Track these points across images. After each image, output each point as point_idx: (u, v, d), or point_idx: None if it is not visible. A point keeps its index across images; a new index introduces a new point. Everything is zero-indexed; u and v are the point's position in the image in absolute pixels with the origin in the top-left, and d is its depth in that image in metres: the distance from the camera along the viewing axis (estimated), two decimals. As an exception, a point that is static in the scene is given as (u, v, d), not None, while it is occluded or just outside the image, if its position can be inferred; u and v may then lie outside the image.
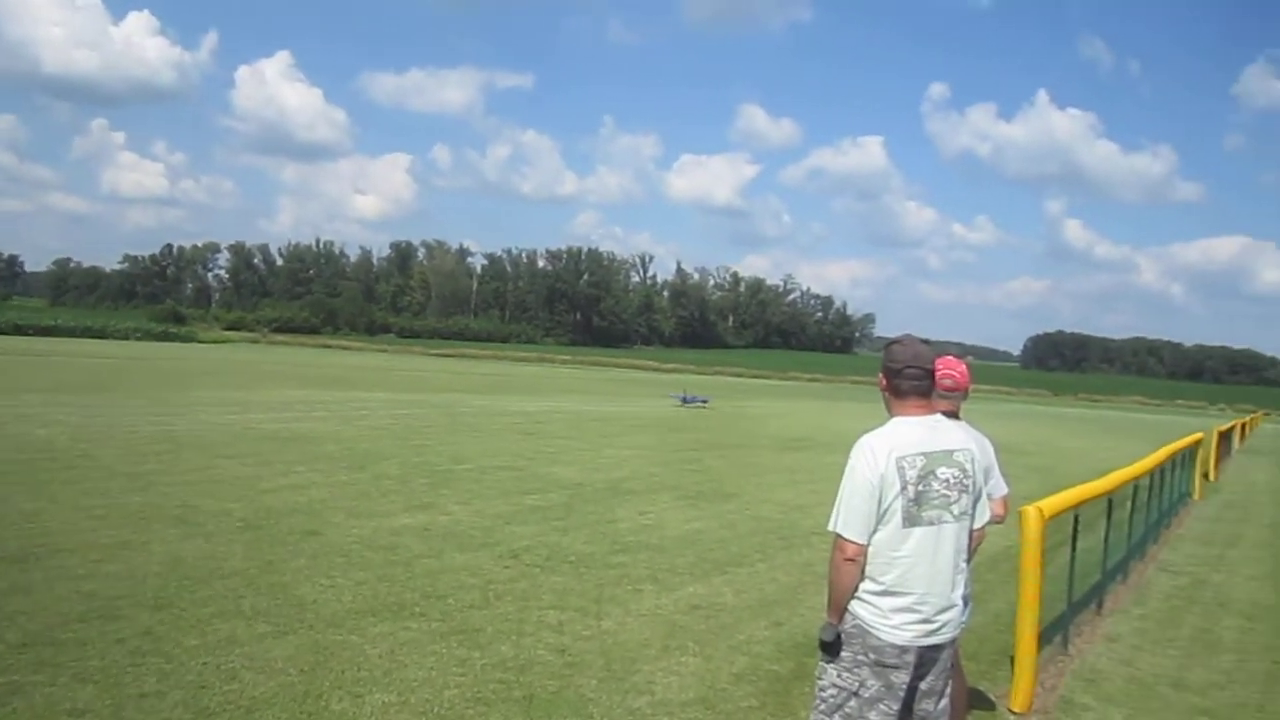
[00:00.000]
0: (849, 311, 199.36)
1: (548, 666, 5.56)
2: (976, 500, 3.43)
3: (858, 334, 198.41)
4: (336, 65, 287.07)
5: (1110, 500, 7.78)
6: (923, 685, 3.37)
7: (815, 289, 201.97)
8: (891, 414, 3.41)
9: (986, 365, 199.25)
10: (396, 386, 35.20)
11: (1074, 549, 6.63)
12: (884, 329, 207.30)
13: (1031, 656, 5.45)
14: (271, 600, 6.50)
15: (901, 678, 3.27)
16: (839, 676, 3.31)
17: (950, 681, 3.48)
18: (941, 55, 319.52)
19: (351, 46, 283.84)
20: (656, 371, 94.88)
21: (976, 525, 3.46)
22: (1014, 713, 5.40)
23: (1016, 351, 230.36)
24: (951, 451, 3.34)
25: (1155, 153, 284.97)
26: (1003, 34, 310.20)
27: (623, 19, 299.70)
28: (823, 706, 3.34)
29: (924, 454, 3.27)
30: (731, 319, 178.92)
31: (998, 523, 4.32)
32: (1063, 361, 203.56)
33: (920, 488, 3.24)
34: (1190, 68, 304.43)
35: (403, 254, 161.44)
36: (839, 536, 3.25)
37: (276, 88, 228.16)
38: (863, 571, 3.26)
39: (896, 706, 3.28)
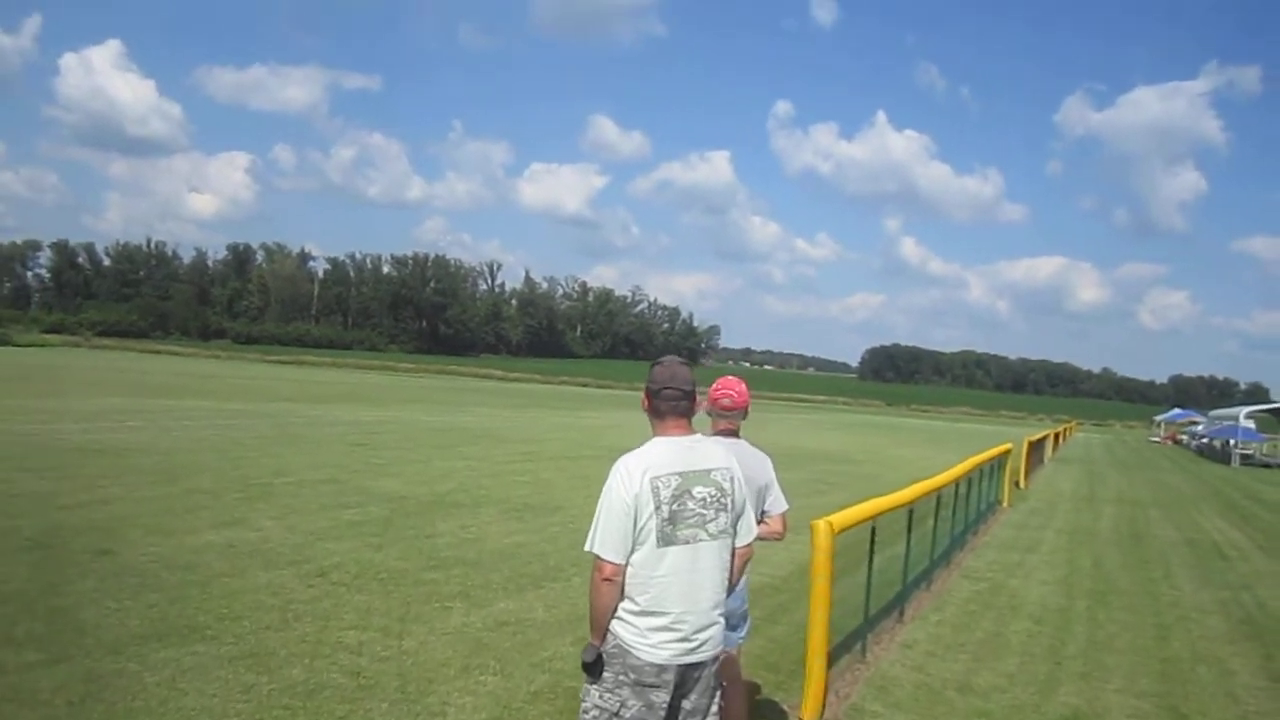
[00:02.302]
0: (695, 323, 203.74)
1: (339, 690, 5.40)
2: (739, 518, 3.48)
3: (704, 345, 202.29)
4: (172, 57, 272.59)
5: (911, 511, 8.08)
6: (686, 704, 3.39)
7: (663, 300, 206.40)
8: (654, 434, 3.44)
9: (826, 377, 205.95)
10: (225, 395, 33.85)
11: (870, 560, 6.84)
12: (729, 340, 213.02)
13: (821, 666, 5.59)
14: (49, 625, 6.11)
15: (661, 697, 3.28)
16: (600, 697, 3.30)
17: (716, 699, 3.51)
18: (787, 74, 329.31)
19: (188, 38, 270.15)
20: (502, 380, 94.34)
21: (741, 543, 3.51)
22: (804, 722, 5.53)
23: (855, 363, 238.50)
24: (709, 471, 3.38)
25: (984, 175, 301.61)
26: (844, 55, 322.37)
27: (473, 22, 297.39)
28: None
29: (679, 474, 3.30)
30: (580, 329, 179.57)
31: (776, 539, 4.41)
32: (897, 373, 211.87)
33: (675, 507, 3.27)
34: (1016, 95, 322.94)
35: (240, 256, 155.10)
36: (596, 557, 3.25)
37: (106, 77, 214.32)
38: (622, 591, 3.27)
39: None
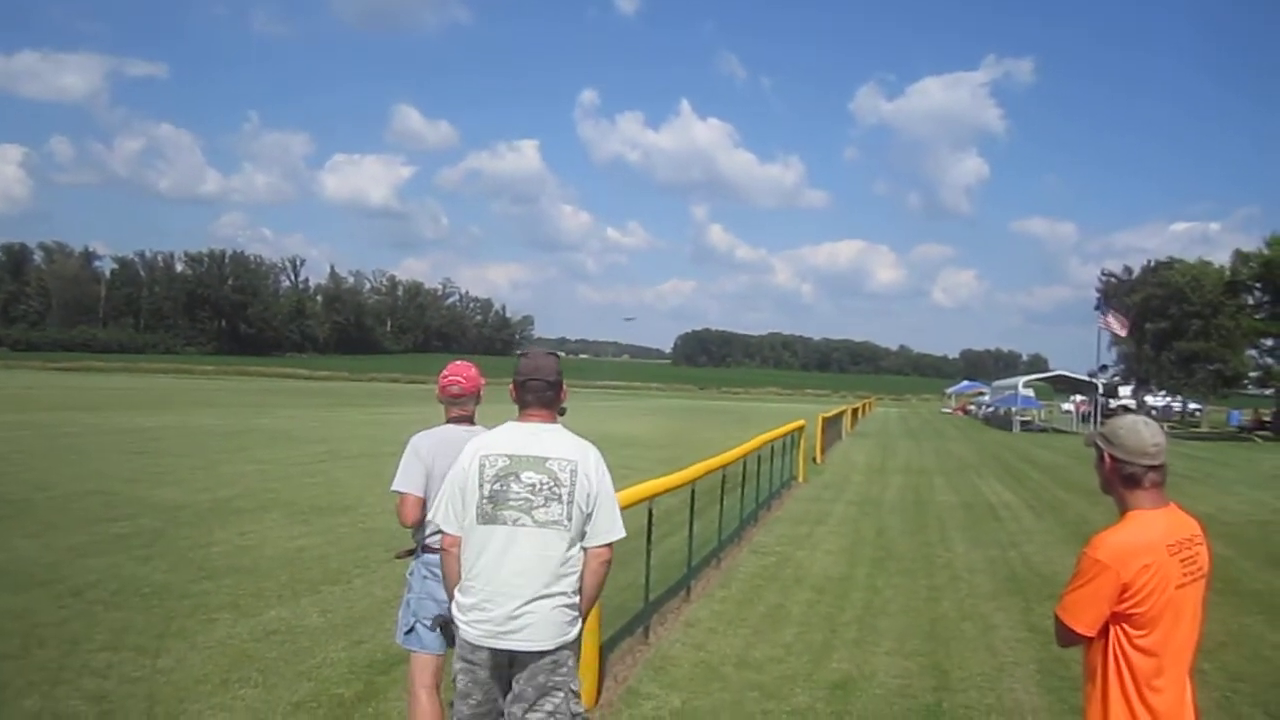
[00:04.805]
0: (509, 314, 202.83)
1: (78, 718, 5.00)
2: (587, 517, 3.38)
3: (518, 336, 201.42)
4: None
5: (693, 490, 8.17)
6: (514, 688, 3.38)
7: (475, 292, 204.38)
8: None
9: (640, 364, 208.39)
10: (-7, 407, 31.36)
11: (649, 542, 6.85)
12: (543, 330, 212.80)
13: (593, 652, 5.54)
14: None
15: (482, 675, 3.36)
16: (455, 662, 3.45)
17: (556, 699, 3.35)
18: (591, 63, 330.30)
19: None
20: (308, 380, 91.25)
21: (592, 543, 3.40)
22: (578, 710, 5.46)
23: (668, 349, 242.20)
24: (545, 458, 3.37)
25: (786, 163, 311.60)
26: (647, 45, 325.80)
27: (268, 11, 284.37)
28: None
29: (509, 455, 3.35)
30: (389, 323, 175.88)
31: None
32: (710, 357, 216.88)
33: (497, 486, 3.31)
34: (813, 85, 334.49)
35: (15, 257, 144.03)
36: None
37: None
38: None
39: (481, 699, 3.38)
